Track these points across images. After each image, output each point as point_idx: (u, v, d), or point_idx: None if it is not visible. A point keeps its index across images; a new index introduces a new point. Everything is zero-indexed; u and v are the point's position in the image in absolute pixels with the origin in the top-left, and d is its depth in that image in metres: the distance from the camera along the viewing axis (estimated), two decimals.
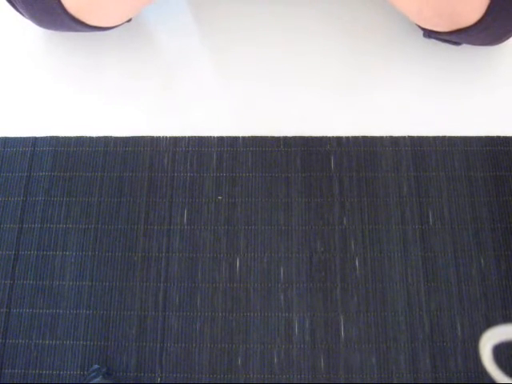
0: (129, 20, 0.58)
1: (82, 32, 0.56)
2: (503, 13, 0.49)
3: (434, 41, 0.58)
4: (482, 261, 0.53)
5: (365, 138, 0.57)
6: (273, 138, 0.57)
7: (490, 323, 0.51)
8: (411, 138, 0.57)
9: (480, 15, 0.49)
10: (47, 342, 0.51)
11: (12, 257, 0.53)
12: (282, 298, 0.52)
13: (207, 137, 0.57)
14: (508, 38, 0.54)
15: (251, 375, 0.49)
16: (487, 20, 0.49)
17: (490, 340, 0.50)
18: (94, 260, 0.53)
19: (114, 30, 0.58)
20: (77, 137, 0.57)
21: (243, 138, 0.57)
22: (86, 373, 0.49)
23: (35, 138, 0.57)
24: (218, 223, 0.54)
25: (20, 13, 0.55)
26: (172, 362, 0.50)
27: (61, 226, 0.54)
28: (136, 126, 0.58)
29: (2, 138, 0.58)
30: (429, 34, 0.56)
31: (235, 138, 0.57)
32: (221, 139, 0.57)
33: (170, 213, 0.54)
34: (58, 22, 0.53)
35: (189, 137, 0.57)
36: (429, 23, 0.54)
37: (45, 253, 0.53)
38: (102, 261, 0.53)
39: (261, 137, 0.57)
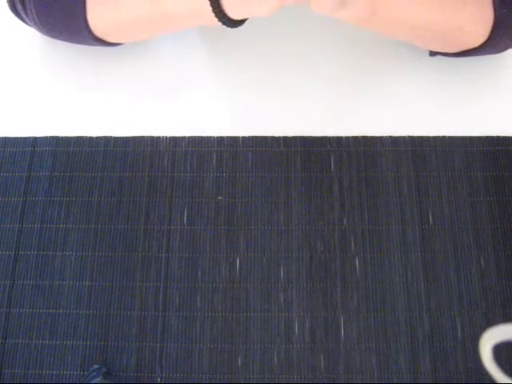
0: None
1: (94, 46, 0.57)
2: (506, 34, 0.49)
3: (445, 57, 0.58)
4: (482, 261, 0.53)
5: (365, 138, 0.57)
6: (273, 137, 0.57)
7: (489, 323, 0.51)
8: (411, 137, 0.57)
9: (484, 39, 0.49)
10: (47, 342, 0.51)
11: (12, 257, 0.53)
12: (281, 297, 0.52)
13: (207, 137, 0.57)
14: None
15: (251, 375, 0.49)
16: (491, 43, 0.50)
17: (489, 340, 0.50)
18: (94, 260, 0.53)
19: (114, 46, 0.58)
20: (77, 137, 0.57)
21: (243, 138, 0.57)
22: (85, 373, 0.49)
23: (35, 138, 0.57)
24: (217, 223, 0.54)
25: (25, 22, 0.55)
26: (172, 362, 0.50)
27: (61, 226, 0.54)
28: (136, 126, 0.58)
29: (2, 138, 0.58)
30: (434, 53, 0.57)
31: (235, 138, 0.57)
32: (221, 139, 0.57)
33: (170, 213, 0.54)
34: (77, 38, 0.54)
35: (189, 137, 0.57)
36: (435, 49, 0.55)
37: (45, 253, 0.53)
38: (102, 261, 0.53)
39: (261, 137, 0.57)
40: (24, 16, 0.53)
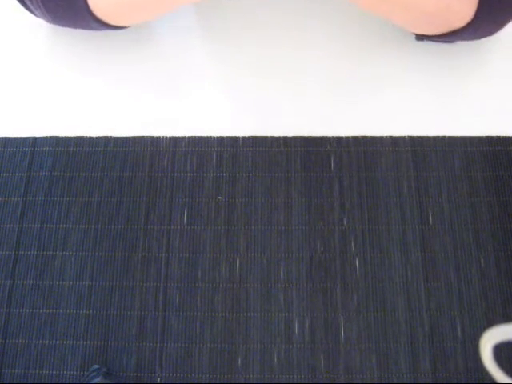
0: None
1: (97, 30, 0.56)
2: (491, 13, 0.50)
3: (434, 43, 0.58)
4: (482, 261, 0.53)
5: (365, 138, 0.57)
6: (273, 137, 0.57)
7: (490, 323, 0.51)
8: (411, 137, 0.57)
9: (470, 18, 0.50)
10: (47, 342, 0.51)
11: (12, 257, 0.53)
12: (281, 298, 0.52)
13: (207, 137, 0.57)
14: (499, 30, 0.54)
15: (251, 375, 0.49)
16: (477, 22, 0.50)
17: (490, 340, 0.50)
18: (94, 260, 0.53)
19: (116, 30, 0.58)
20: (77, 137, 0.57)
21: (243, 138, 0.57)
22: (85, 373, 0.49)
23: (35, 138, 0.57)
24: (217, 223, 0.54)
25: (30, 10, 0.55)
26: (172, 362, 0.50)
27: (61, 226, 0.54)
28: (136, 126, 0.58)
29: (2, 138, 0.58)
30: (421, 37, 0.57)
31: (235, 138, 0.57)
32: (221, 139, 0.57)
33: (170, 213, 0.54)
34: (79, 21, 0.54)
35: (189, 137, 0.57)
36: (421, 30, 0.55)
37: (45, 253, 0.53)
38: (102, 261, 0.53)
39: (261, 137, 0.57)
40: (28, 2, 0.53)
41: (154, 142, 0.57)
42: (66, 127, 0.58)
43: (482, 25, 0.51)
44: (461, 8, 0.50)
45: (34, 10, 0.54)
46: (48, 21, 0.56)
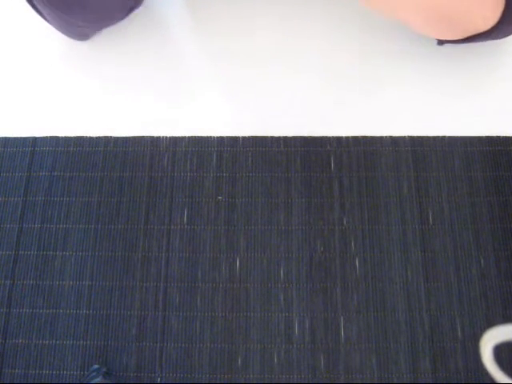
0: (129, 12, 0.57)
1: (85, 23, 0.56)
2: None
3: (433, 41, 0.58)
4: (482, 261, 0.53)
5: (365, 138, 0.57)
6: (273, 137, 0.57)
7: (490, 323, 0.51)
8: (411, 137, 0.57)
9: (494, 22, 0.49)
10: (47, 342, 0.51)
11: (12, 257, 0.53)
12: (281, 298, 0.52)
13: (207, 137, 0.57)
14: None
15: (251, 375, 0.49)
16: (501, 26, 0.49)
17: (490, 340, 0.50)
18: (94, 260, 0.53)
19: (114, 30, 0.58)
20: (77, 137, 0.57)
21: (243, 138, 0.57)
22: (85, 373, 0.49)
23: (35, 138, 0.57)
24: (217, 223, 0.54)
25: (36, 10, 0.55)
26: (172, 362, 0.50)
27: (61, 226, 0.54)
28: (136, 126, 0.58)
29: (2, 138, 0.58)
30: (443, 41, 0.56)
31: (235, 138, 0.57)
32: (221, 139, 0.57)
33: (170, 213, 0.54)
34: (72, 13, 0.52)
35: (189, 137, 0.57)
36: (443, 36, 0.54)
37: (45, 253, 0.53)
38: (102, 261, 0.53)
39: (261, 137, 0.57)
40: (36, 3, 0.52)
41: (154, 142, 0.57)
42: (66, 127, 0.58)
43: (505, 28, 0.50)
44: (484, 12, 0.48)
45: (38, 7, 0.54)
46: (55, 27, 0.56)
